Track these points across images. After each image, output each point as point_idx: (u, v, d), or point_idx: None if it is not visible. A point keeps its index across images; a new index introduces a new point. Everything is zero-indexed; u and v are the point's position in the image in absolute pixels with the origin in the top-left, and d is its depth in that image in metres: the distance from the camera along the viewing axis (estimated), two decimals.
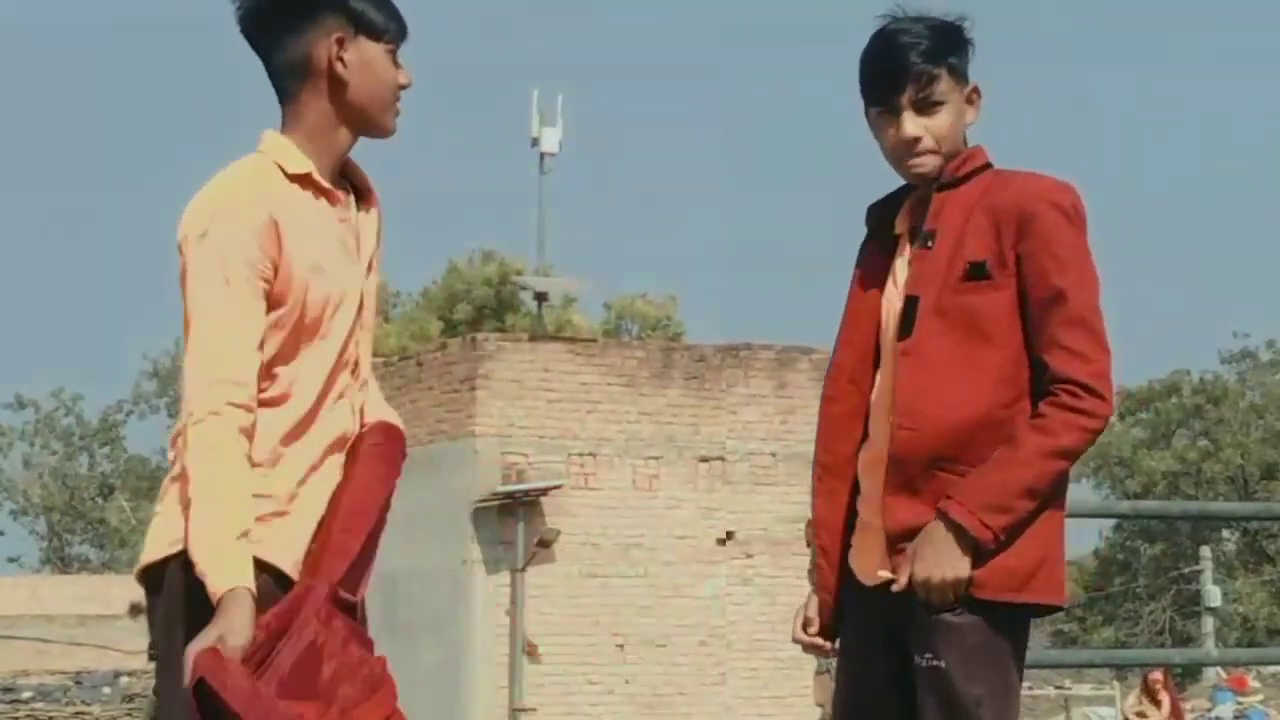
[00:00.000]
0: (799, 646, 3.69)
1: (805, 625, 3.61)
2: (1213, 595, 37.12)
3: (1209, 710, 25.03)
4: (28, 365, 79.06)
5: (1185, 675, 31.34)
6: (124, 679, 27.93)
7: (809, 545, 3.74)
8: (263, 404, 3.10)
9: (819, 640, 3.58)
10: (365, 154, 3.35)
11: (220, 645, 2.89)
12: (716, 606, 20.22)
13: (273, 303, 3.10)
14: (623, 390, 20.38)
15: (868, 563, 3.48)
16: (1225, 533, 46.50)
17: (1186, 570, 44.39)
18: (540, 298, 23.84)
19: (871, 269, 3.56)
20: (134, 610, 29.98)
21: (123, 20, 74.94)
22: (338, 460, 3.22)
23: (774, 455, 20.65)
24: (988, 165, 3.52)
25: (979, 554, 3.31)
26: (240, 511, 3.01)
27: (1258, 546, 47.26)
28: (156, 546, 3.12)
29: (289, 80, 3.20)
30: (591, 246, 58.45)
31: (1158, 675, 17.91)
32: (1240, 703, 24.38)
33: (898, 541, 3.39)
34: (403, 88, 3.26)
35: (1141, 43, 79.30)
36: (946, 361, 3.36)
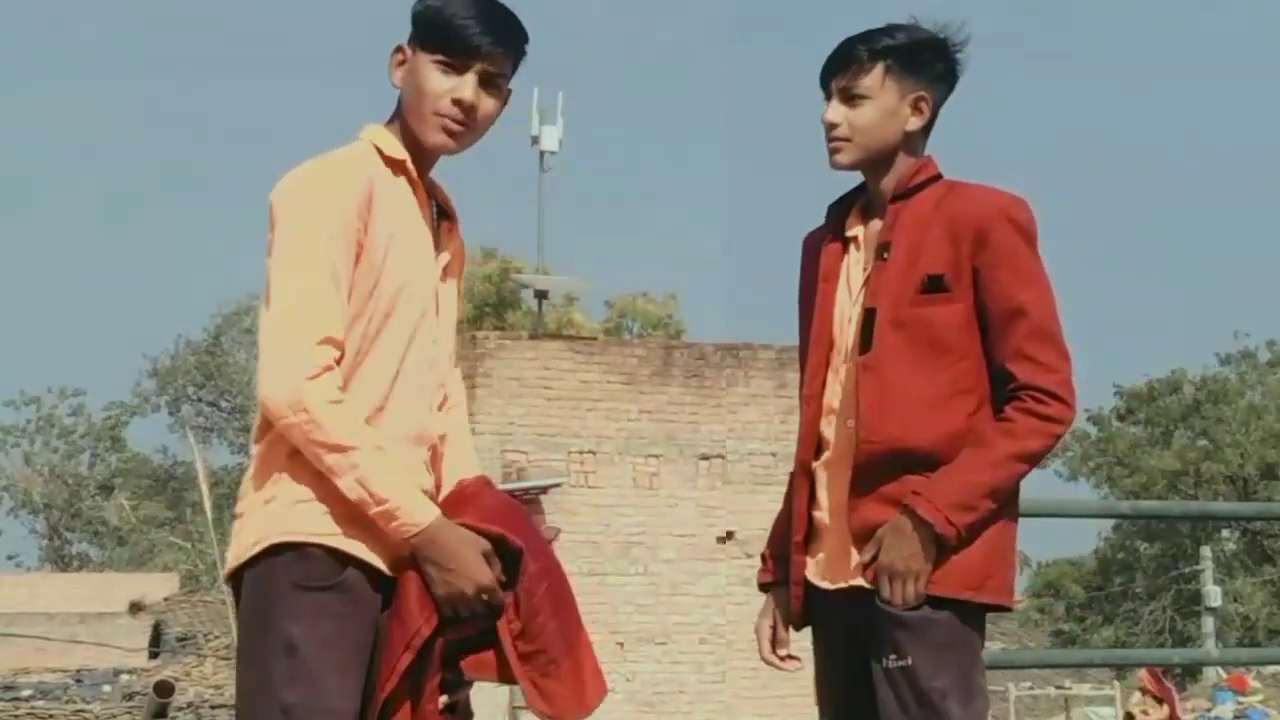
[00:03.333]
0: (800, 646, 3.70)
1: (775, 644, 3.65)
2: (1213, 595, 37.11)
3: (1209, 710, 25.01)
4: (29, 363, 79.03)
5: (1185, 675, 31.35)
6: (124, 677, 27.91)
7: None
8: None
9: (789, 662, 3.62)
10: None
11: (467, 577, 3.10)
12: (717, 605, 20.21)
13: (358, 268, 3.17)
14: (623, 388, 20.37)
15: (829, 567, 3.53)
16: (1225, 533, 46.47)
17: (1186, 570, 44.39)
18: (541, 296, 23.81)
19: (831, 266, 3.60)
20: (134, 608, 30.00)
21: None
22: (418, 456, 3.23)
23: (774, 455, 20.63)
24: (938, 176, 3.57)
25: (940, 551, 3.37)
26: (386, 458, 3.09)
27: (1258, 546, 47.23)
28: (241, 549, 3.15)
29: None
30: (592, 245, 58.51)
31: (1161, 675, 17.93)
32: (1240, 703, 24.35)
33: (862, 541, 3.44)
34: (456, 103, 3.26)
35: (1140, 41, 79.30)
36: (907, 376, 3.42)
